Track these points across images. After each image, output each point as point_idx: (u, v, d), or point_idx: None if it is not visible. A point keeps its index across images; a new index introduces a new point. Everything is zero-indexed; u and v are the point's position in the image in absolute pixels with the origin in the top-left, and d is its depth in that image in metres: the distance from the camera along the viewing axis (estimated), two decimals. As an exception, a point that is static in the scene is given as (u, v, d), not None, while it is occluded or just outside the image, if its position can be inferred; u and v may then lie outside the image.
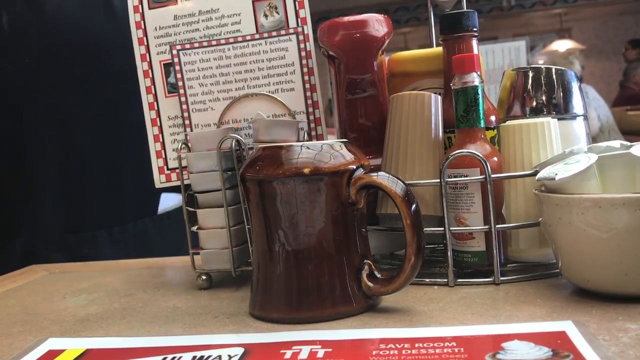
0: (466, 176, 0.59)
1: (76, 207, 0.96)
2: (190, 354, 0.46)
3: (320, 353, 0.44)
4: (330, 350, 0.45)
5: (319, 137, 0.69)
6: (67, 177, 0.95)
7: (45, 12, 0.91)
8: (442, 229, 0.59)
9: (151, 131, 0.72)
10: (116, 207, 0.99)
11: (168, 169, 0.72)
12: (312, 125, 0.69)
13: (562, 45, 5.96)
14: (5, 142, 0.94)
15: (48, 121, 0.93)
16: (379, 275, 0.54)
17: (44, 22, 0.91)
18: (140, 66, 0.72)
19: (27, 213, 0.96)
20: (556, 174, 0.52)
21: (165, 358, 0.46)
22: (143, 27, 0.72)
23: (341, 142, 0.54)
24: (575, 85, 0.67)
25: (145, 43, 0.72)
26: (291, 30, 0.69)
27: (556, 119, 0.62)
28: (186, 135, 0.70)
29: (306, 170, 0.51)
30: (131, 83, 0.72)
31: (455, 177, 0.59)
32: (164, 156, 0.72)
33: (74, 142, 0.95)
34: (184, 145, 0.68)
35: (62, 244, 0.96)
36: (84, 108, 0.94)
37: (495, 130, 0.64)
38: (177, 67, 0.70)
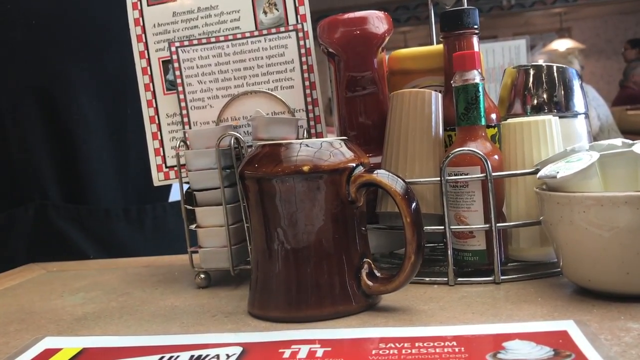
0: (467, 174, 0.58)
1: (78, 175, 0.95)
2: (188, 353, 0.46)
3: (319, 352, 0.44)
4: (329, 349, 0.44)
5: (319, 135, 0.68)
6: (67, 144, 0.94)
7: None
8: (443, 227, 0.59)
9: (149, 129, 0.72)
10: (122, 183, 0.97)
11: (166, 167, 0.72)
12: (312, 123, 0.68)
13: (562, 44, 5.96)
14: (11, 108, 0.93)
15: (50, 87, 0.92)
16: (378, 274, 0.53)
17: None
18: (139, 63, 0.72)
19: (31, 179, 0.94)
20: (557, 172, 0.51)
21: (163, 357, 0.45)
22: (142, 24, 0.71)
23: (341, 139, 0.54)
24: (576, 83, 0.67)
25: (144, 40, 0.71)
26: (290, 28, 0.68)
27: (557, 117, 0.62)
28: (185, 132, 0.69)
29: (305, 168, 0.51)
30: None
31: (455, 175, 0.59)
32: (162, 154, 0.71)
33: (76, 110, 0.93)
34: (182, 143, 0.68)
35: (74, 215, 0.94)
36: (87, 75, 0.93)
37: (496, 128, 0.64)
38: (176, 65, 0.70)
